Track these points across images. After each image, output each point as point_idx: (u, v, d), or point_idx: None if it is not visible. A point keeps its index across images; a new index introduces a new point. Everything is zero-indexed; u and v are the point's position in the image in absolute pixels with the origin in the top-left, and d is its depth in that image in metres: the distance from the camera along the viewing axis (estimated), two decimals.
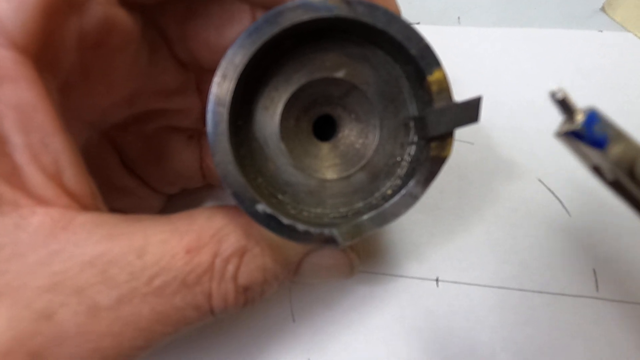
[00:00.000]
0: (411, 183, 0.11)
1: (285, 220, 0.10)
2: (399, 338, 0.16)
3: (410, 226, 0.17)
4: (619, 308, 0.15)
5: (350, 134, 0.12)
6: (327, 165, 0.12)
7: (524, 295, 0.16)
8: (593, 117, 0.08)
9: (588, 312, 0.15)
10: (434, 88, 0.10)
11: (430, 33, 0.18)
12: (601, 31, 0.18)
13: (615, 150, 0.08)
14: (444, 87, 0.10)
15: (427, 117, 0.10)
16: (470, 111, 0.10)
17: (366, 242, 0.17)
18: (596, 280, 0.16)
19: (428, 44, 0.10)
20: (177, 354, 0.15)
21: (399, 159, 0.12)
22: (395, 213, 0.11)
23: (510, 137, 0.17)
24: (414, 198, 0.11)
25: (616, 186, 0.09)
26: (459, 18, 0.19)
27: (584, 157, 0.09)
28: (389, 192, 0.11)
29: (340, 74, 0.11)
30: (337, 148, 0.12)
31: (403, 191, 0.11)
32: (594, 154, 0.09)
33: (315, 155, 0.12)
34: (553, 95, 0.09)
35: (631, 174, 0.08)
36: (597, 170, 0.10)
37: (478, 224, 0.16)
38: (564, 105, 0.09)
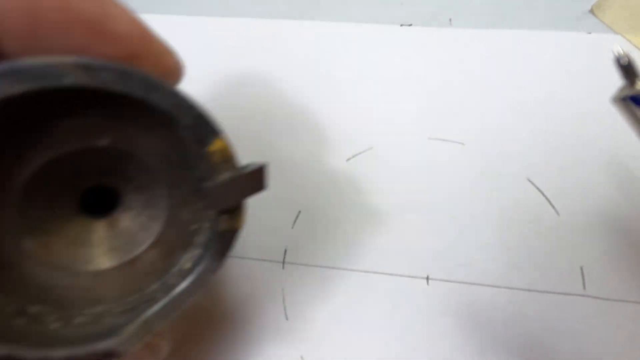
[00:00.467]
0: (206, 258, 0.09)
1: (32, 354, 0.08)
2: (390, 336, 0.16)
3: (401, 225, 0.17)
4: (606, 306, 0.16)
5: (132, 206, 0.10)
6: (103, 250, 0.10)
7: (513, 293, 0.16)
8: None
9: (576, 310, 0.16)
10: (216, 158, 0.09)
11: (422, 35, 0.19)
12: (590, 33, 0.18)
13: None
14: (227, 156, 0.09)
15: (212, 190, 0.09)
16: (256, 181, 0.09)
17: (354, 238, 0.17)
18: (583, 278, 0.16)
19: (202, 112, 0.09)
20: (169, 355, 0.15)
21: (196, 226, 0.10)
22: (190, 293, 0.09)
23: (500, 137, 0.18)
24: (210, 273, 0.09)
25: None
26: (450, 20, 0.19)
27: (638, 123, 0.09)
28: (188, 265, 0.10)
29: (104, 142, 0.09)
30: (116, 226, 0.10)
31: (200, 267, 0.09)
32: None
33: (86, 241, 0.10)
34: (618, 60, 0.09)
35: None
36: None
37: (468, 224, 0.17)
38: (627, 69, 0.09)
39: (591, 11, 0.19)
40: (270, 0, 0.20)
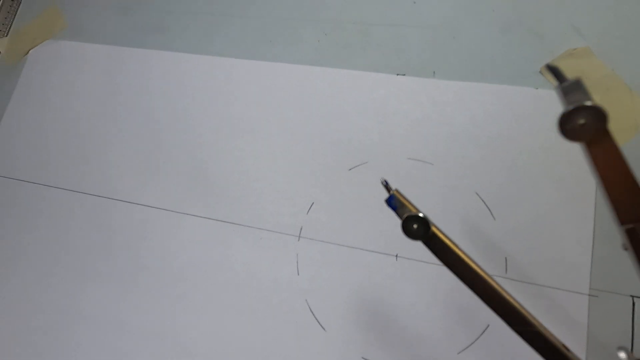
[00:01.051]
0: None
1: None
2: (360, 307, 0.23)
3: (381, 216, 0.24)
4: (522, 286, 0.22)
5: None
6: None
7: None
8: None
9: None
10: None
11: (411, 83, 0.26)
12: (537, 88, 0.24)
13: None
14: None
15: None
16: None
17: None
18: (506, 266, 0.22)
19: None
20: None
21: None
22: None
23: (459, 159, 0.24)
24: None
25: None
26: (434, 72, 0.26)
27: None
28: None
29: None
30: None
31: None
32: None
33: None
34: (549, 67, 0.12)
35: None
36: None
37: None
38: (557, 72, 0.12)
39: (540, 72, 0.25)
40: (302, 50, 0.28)
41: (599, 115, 0.12)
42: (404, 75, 0.26)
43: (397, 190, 0.15)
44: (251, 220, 0.26)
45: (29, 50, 0.34)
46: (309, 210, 0.25)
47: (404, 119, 0.26)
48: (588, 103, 0.11)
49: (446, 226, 0.23)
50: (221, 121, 0.28)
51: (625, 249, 0.12)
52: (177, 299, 0.25)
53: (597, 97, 0.23)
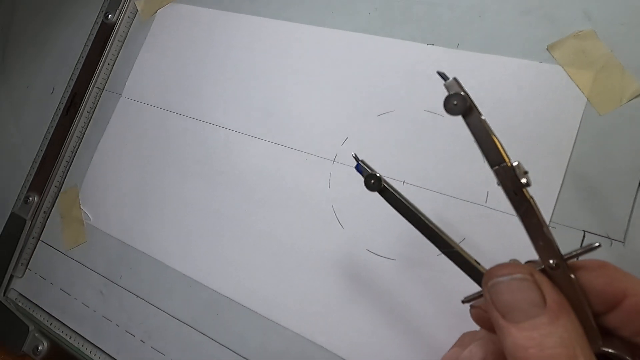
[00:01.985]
0: None
1: None
2: (371, 215, 0.31)
3: (392, 147, 0.32)
4: (499, 215, 0.29)
5: None
6: None
7: (443, 197, 0.30)
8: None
9: (478, 215, 0.29)
10: None
11: (437, 52, 0.32)
12: (540, 62, 0.30)
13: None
14: None
15: None
16: None
17: None
18: (487, 197, 0.29)
19: None
20: None
21: None
22: None
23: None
24: None
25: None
26: (458, 44, 0.32)
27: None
28: None
29: None
30: None
31: None
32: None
33: None
34: (438, 72, 0.17)
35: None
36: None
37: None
38: (443, 75, 0.17)
39: (547, 49, 0.30)
40: (356, 20, 0.36)
41: (464, 99, 0.17)
42: (433, 45, 0.33)
43: (362, 161, 0.22)
44: (300, 146, 0.35)
45: (157, 10, 0.46)
46: (343, 143, 0.34)
47: (427, 80, 0.32)
48: (460, 92, 0.17)
49: (445, 165, 0.30)
50: (286, 72, 0.37)
51: (498, 184, 0.17)
52: (243, 194, 0.36)
53: (593, 72, 0.28)
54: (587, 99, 0.28)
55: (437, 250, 0.29)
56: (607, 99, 0.28)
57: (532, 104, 0.29)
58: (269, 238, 0.34)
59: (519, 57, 0.30)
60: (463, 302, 0.21)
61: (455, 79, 0.17)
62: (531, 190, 0.17)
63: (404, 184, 0.31)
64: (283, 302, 0.32)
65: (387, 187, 0.22)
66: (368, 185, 0.22)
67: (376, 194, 0.23)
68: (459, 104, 0.17)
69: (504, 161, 0.16)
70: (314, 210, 0.33)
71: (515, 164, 0.17)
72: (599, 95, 0.28)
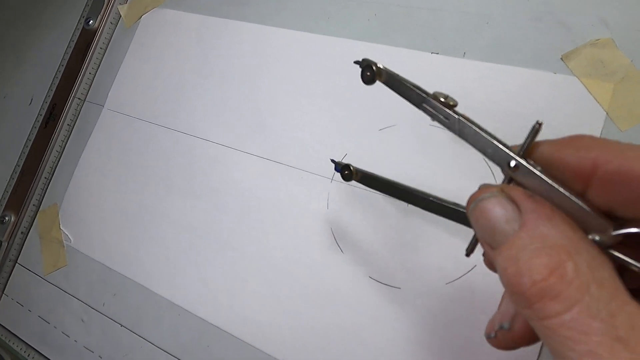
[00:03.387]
0: None
1: None
2: (372, 239, 0.29)
3: (397, 165, 0.29)
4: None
5: None
6: None
7: None
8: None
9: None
10: None
11: (442, 61, 0.30)
12: (555, 73, 0.27)
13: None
14: None
15: None
16: None
17: None
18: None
19: None
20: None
21: None
22: None
23: None
24: None
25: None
26: (464, 53, 0.30)
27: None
28: None
29: None
30: None
31: None
32: None
33: None
34: (355, 61, 0.19)
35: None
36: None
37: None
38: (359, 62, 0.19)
39: (561, 59, 0.28)
40: (353, 27, 0.33)
41: (373, 65, 0.18)
42: (437, 54, 0.31)
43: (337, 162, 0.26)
44: (295, 162, 0.32)
45: (142, 15, 0.43)
46: (342, 159, 0.31)
47: (431, 91, 0.30)
48: (372, 65, 0.18)
49: (454, 184, 0.28)
50: (279, 82, 0.35)
51: (432, 122, 0.18)
52: (235, 215, 0.33)
53: (612, 84, 0.26)
54: (607, 113, 0.26)
55: (445, 279, 0.27)
56: (629, 113, 0.26)
57: (546, 117, 0.27)
58: (263, 263, 0.31)
59: (531, 67, 0.28)
60: (467, 255, 0.18)
61: (366, 58, 0.19)
62: None
63: (408, 205, 0.29)
64: (278, 333, 0.30)
65: (354, 170, 0.26)
66: (344, 177, 0.26)
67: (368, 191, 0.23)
68: (371, 72, 0.19)
69: (424, 96, 0.17)
70: (311, 233, 0.31)
71: (431, 92, 0.17)
72: (619, 109, 0.26)
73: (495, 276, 0.26)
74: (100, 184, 0.40)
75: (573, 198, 0.12)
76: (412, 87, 0.18)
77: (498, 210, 0.13)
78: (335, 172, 0.31)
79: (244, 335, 0.31)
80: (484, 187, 0.14)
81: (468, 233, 0.28)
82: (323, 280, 0.30)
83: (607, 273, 0.10)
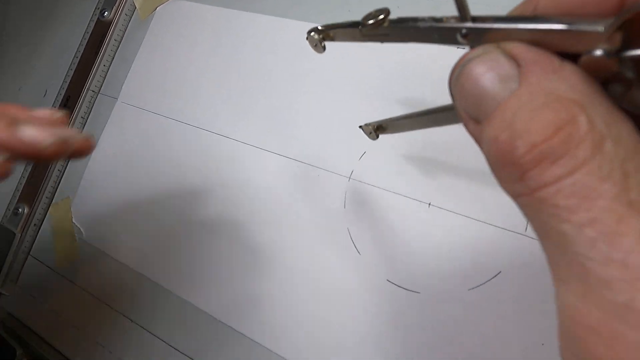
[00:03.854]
0: None
1: None
2: (391, 241, 0.28)
3: (415, 165, 0.28)
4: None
5: None
6: None
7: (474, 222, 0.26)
8: None
9: (517, 244, 0.25)
10: None
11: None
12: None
13: None
14: None
15: None
16: None
17: None
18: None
19: None
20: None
21: None
22: None
23: None
24: None
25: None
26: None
27: None
28: None
29: None
30: None
31: None
32: None
33: None
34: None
35: None
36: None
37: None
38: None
39: None
40: None
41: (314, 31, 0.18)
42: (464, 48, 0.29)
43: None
44: (312, 160, 0.31)
45: (157, 7, 0.42)
46: (360, 157, 0.30)
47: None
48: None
49: (478, 186, 0.27)
50: (297, 76, 0.34)
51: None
52: (248, 212, 0.32)
53: None
54: None
55: (468, 284, 0.26)
56: None
57: None
58: (276, 263, 0.31)
59: None
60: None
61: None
62: None
63: (430, 206, 0.28)
64: (292, 335, 0.29)
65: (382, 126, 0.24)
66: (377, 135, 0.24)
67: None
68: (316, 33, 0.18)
69: (357, 25, 0.16)
70: (327, 234, 0.30)
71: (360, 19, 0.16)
72: None
73: (522, 282, 0.25)
74: (113, 177, 0.39)
75: (554, 25, 0.10)
76: (343, 25, 0.17)
77: (490, 71, 0.10)
78: (350, 177, 0.29)
79: (255, 335, 0.30)
80: (473, 50, 0.11)
81: (494, 234, 0.26)
82: (339, 282, 0.29)
83: (627, 130, 0.08)
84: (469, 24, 0.12)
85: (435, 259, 0.27)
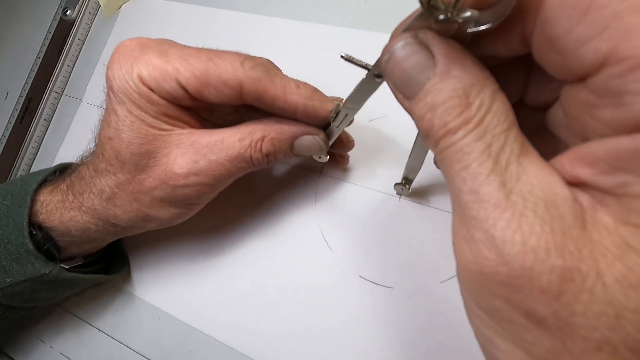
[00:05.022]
0: None
1: None
2: (363, 236, 0.27)
3: (388, 157, 0.28)
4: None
5: None
6: None
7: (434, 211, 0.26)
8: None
9: None
10: None
11: None
12: None
13: None
14: None
15: None
16: None
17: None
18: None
19: None
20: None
21: None
22: None
23: None
24: None
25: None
26: None
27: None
28: None
29: None
30: None
31: None
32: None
33: None
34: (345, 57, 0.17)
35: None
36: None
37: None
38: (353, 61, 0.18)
39: None
40: (344, 14, 0.32)
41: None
42: None
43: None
44: None
45: (122, 4, 0.41)
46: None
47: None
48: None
49: None
50: None
51: None
52: (219, 210, 0.31)
53: None
54: None
55: (440, 277, 0.26)
56: None
57: None
58: (247, 262, 0.30)
59: None
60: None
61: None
62: None
63: (400, 199, 0.27)
64: (262, 336, 0.28)
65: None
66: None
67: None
68: None
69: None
70: (298, 230, 0.29)
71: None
72: None
73: None
74: None
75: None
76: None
77: (413, 58, 0.13)
78: (321, 172, 0.29)
79: (226, 339, 0.29)
80: (398, 35, 0.14)
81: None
82: (310, 279, 0.28)
83: (503, 107, 0.12)
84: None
85: (407, 252, 0.26)
